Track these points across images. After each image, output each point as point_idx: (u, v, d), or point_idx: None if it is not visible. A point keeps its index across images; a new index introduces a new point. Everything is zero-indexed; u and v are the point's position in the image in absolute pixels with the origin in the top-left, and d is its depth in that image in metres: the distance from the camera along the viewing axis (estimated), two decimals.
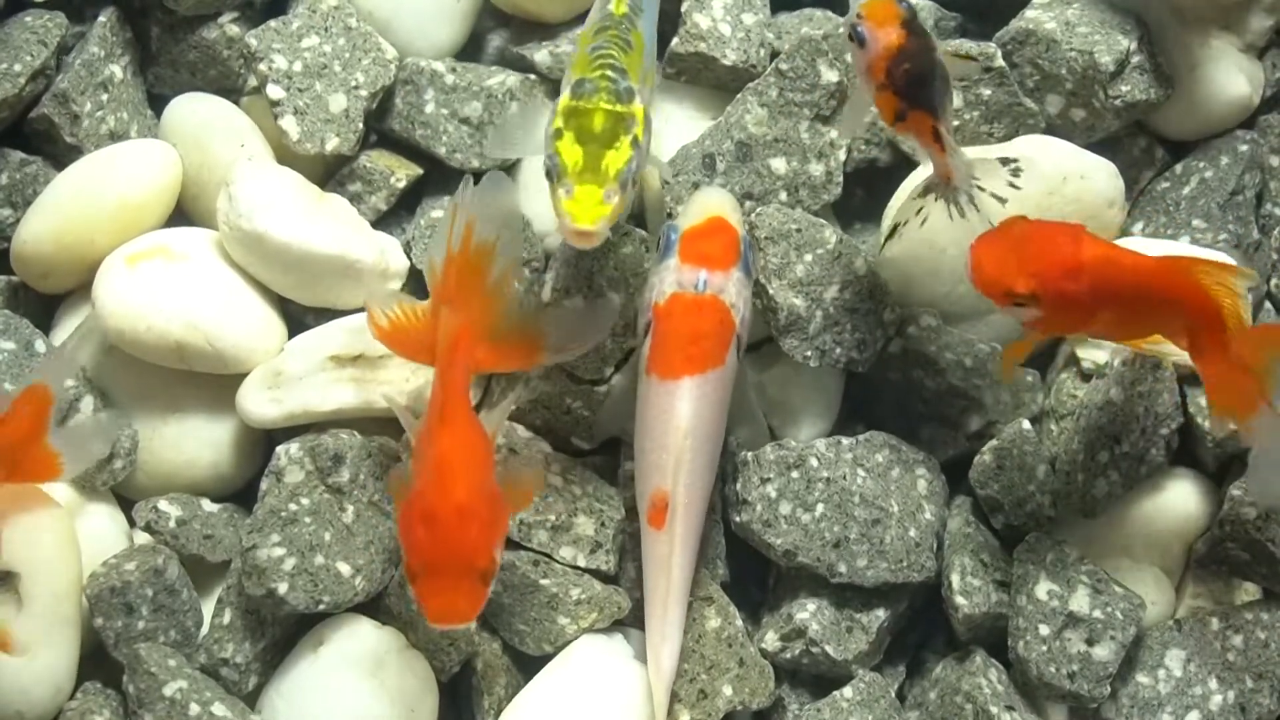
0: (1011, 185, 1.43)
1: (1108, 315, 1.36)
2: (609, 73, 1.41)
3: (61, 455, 1.47)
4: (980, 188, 1.42)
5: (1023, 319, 1.38)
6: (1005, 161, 1.44)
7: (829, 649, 1.52)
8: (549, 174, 1.38)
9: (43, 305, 1.67)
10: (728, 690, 1.52)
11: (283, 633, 1.54)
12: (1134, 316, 1.38)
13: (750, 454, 1.55)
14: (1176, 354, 1.43)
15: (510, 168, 1.68)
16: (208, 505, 1.60)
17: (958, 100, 1.62)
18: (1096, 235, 1.37)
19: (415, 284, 1.65)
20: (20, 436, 1.45)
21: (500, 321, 1.46)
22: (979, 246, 1.35)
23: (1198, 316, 1.36)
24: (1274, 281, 1.67)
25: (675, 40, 1.67)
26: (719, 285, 1.49)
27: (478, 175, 1.52)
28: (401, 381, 1.57)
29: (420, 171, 1.71)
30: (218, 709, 1.47)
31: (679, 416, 1.46)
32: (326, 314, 1.62)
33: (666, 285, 1.49)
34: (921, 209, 1.45)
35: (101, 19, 1.72)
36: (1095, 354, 1.58)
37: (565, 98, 1.41)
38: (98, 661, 1.53)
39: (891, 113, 1.39)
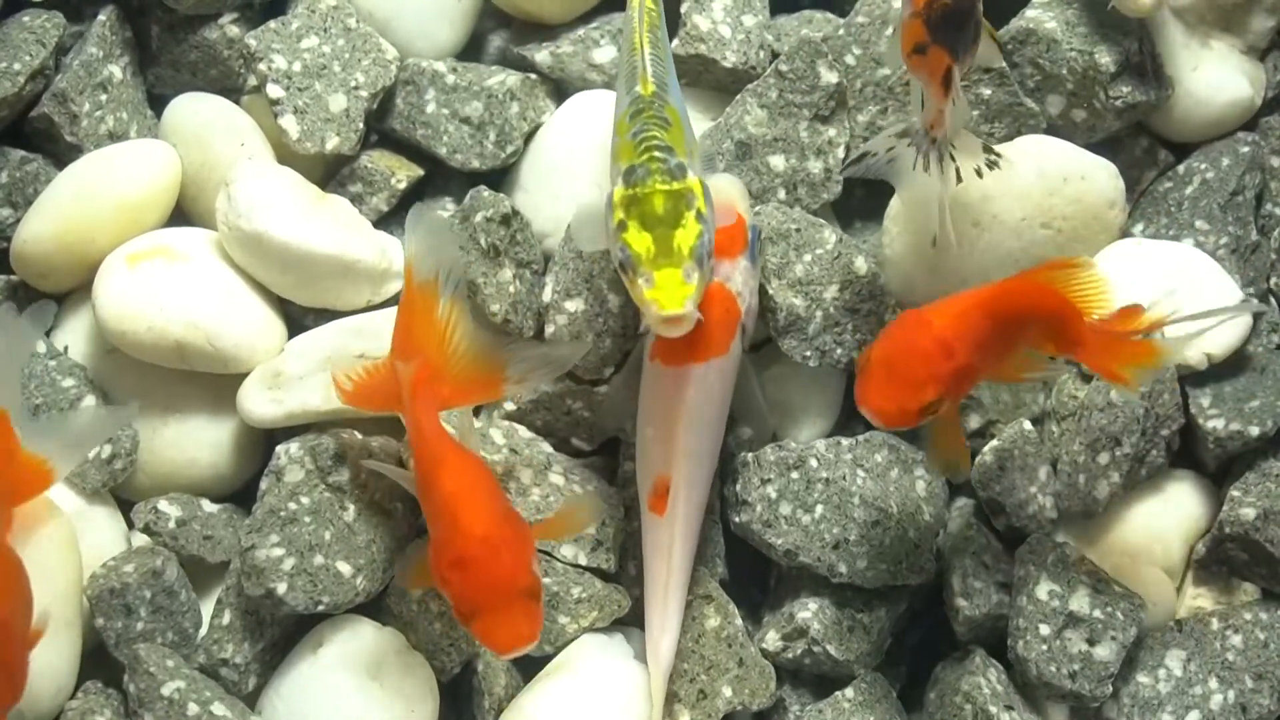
0: (978, 172, 1.44)
1: (988, 357, 1.36)
2: (657, 153, 1.38)
3: (49, 459, 1.44)
4: (953, 156, 1.43)
5: (936, 416, 1.35)
6: (989, 150, 1.44)
7: (831, 649, 1.52)
8: (622, 267, 1.35)
9: None
10: (727, 690, 1.52)
11: (282, 633, 1.54)
12: (1007, 344, 1.38)
13: (750, 455, 1.55)
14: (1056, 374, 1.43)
15: (505, 169, 1.69)
16: (207, 505, 1.60)
17: None
18: (921, 306, 1.37)
19: None
20: None
21: (459, 356, 1.44)
22: (868, 402, 1.32)
23: (1053, 316, 1.37)
24: (1273, 280, 1.67)
25: (675, 42, 1.67)
26: (725, 273, 1.49)
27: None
28: None
29: (421, 172, 1.71)
30: (217, 709, 1.47)
31: (682, 403, 1.46)
32: (326, 314, 1.62)
33: None
34: (893, 148, 1.45)
35: (100, 18, 1.72)
36: None
37: (619, 188, 1.38)
38: (99, 661, 1.53)
39: (913, 43, 1.38)
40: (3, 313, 1.46)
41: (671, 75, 1.49)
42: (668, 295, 1.31)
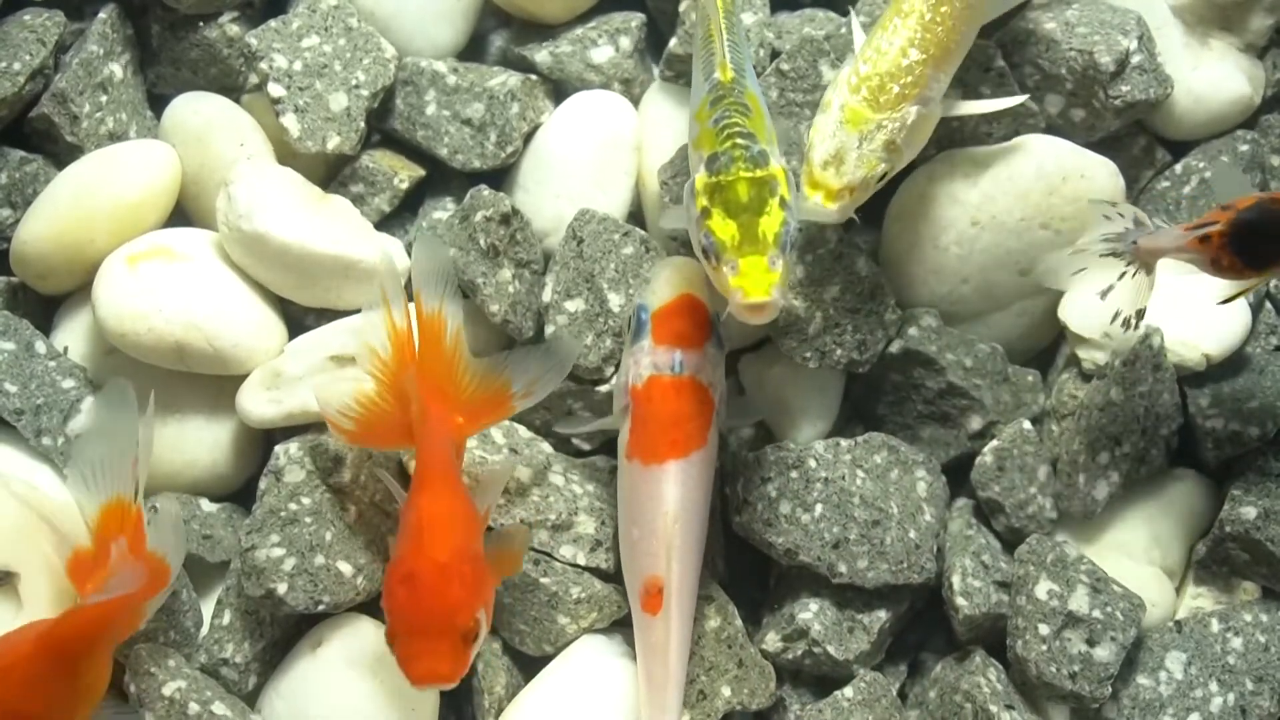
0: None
1: None
2: (739, 140, 1.37)
3: (165, 554, 1.43)
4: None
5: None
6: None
7: (831, 649, 1.52)
8: (706, 254, 1.34)
9: (42, 306, 1.67)
10: (726, 691, 1.52)
11: (282, 632, 1.54)
12: None
13: (750, 454, 1.55)
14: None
15: (505, 169, 1.69)
16: (206, 505, 1.60)
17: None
18: None
19: None
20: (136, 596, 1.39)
21: (467, 383, 1.46)
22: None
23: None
24: (1273, 282, 1.67)
25: (674, 41, 1.67)
26: (695, 364, 1.47)
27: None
28: None
29: (423, 173, 1.71)
30: (218, 708, 1.47)
31: (666, 502, 1.45)
32: (326, 314, 1.62)
33: (643, 368, 1.48)
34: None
35: (101, 16, 1.71)
36: (1096, 354, 1.58)
37: (702, 176, 1.37)
38: None
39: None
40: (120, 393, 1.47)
41: (748, 63, 1.49)
42: (753, 283, 1.31)
